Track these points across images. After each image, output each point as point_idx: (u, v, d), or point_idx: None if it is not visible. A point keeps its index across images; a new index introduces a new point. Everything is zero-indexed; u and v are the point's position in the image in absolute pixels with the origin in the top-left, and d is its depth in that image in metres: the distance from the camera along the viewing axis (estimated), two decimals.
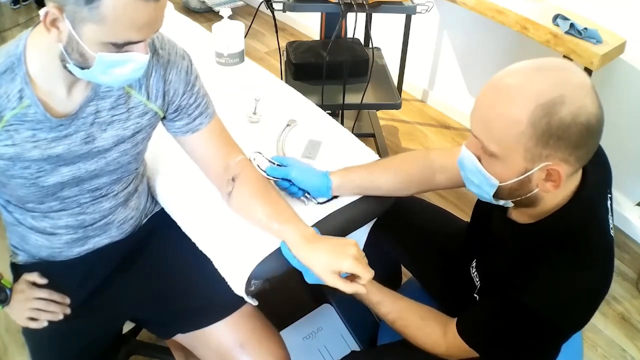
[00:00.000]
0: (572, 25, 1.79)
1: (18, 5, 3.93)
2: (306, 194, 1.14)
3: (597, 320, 1.86)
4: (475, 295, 1.02)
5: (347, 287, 0.95)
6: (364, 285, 0.97)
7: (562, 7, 1.96)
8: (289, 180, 1.13)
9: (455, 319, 0.99)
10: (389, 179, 1.15)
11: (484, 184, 0.85)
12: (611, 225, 0.91)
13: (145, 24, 0.79)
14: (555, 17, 1.85)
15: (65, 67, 0.84)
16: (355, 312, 1.45)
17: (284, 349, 1.16)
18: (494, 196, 0.86)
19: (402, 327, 1.05)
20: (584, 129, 0.74)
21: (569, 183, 0.84)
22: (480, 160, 0.84)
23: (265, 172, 1.13)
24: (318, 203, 1.15)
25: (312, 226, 1.08)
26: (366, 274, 0.95)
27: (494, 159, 0.81)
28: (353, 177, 1.14)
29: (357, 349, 1.44)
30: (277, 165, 1.14)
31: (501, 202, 0.88)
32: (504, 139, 0.77)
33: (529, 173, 0.79)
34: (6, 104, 0.87)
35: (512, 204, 0.87)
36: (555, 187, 0.79)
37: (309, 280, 0.98)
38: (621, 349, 1.78)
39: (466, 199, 2.30)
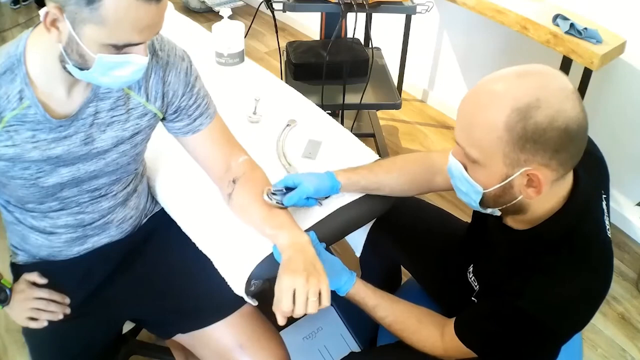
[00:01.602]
0: (572, 25, 1.79)
1: (18, 5, 3.93)
2: (319, 201, 1.13)
3: (597, 320, 1.86)
4: (473, 298, 1.02)
5: (274, 304, 0.93)
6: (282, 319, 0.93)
7: (562, 7, 1.96)
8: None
9: (453, 320, 0.99)
10: (392, 179, 1.15)
11: (470, 192, 0.85)
12: (608, 227, 0.90)
13: (146, 26, 0.79)
14: (555, 17, 1.85)
15: (64, 67, 0.85)
16: (355, 312, 1.45)
17: (284, 349, 1.16)
18: (480, 204, 0.86)
19: (399, 330, 1.05)
20: (562, 133, 0.73)
21: (559, 188, 0.83)
22: (466, 169, 0.84)
23: (283, 204, 1.06)
24: (326, 198, 1.15)
25: (312, 227, 1.08)
26: (282, 304, 0.91)
27: (476, 166, 0.81)
28: (357, 179, 1.14)
29: (357, 349, 1.44)
30: (287, 189, 1.09)
31: (488, 210, 0.88)
32: (483, 144, 0.78)
33: (509, 179, 0.79)
34: (6, 105, 0.87)
35: (500, 212, 0.87)
36: (537, 192, 0.79)
37: None
38: (621, 349, 1.78)
39: None
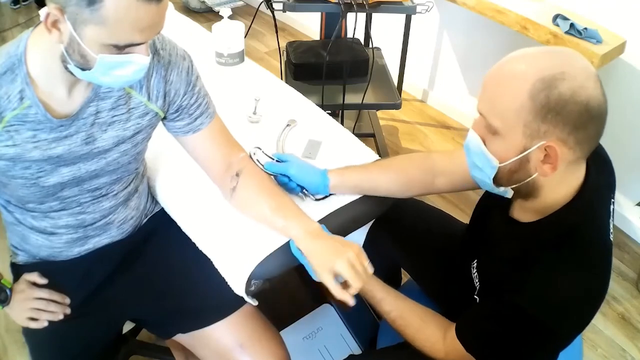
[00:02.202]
0: (572, 25, 1.79)
1: (18, 5, 3.93)
2: (304, 190, 1.15)
3: (597, 320, 1.86)
4: (475, 297, 1.02)
5: (336, 291, 0.95)
6: (352, 296, 0.96)
7: (562, 7, 1.96)
8: (287, 176, 1.13)
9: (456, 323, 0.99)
10: (389, 180, 1.15)
11: (486, 166, 0.86)
12: (611, 230, 0.91)
13: (147, 26, 0.79)
14: (555, 17, 1.85)
15: (66, 68, 0.85)
16: (355, 313, 1.45)
17: (284, 349, 1.16)
18: (494, 181, 0.87)
19: (402, 326, 1.05)
20: (583, 109, 0.75)
21: (572, 176, 0.84)
22: (484, 143, 0.85)
23: (263, 167, 1.14)
24: (316, 199, 1.16)
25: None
26: (356, 282, 0.95)
27: (496, 138, 0.82)
28: (351, 177, 1.14)
29: (357, 349, 1.44)
30: (277, 161, 1.16)
31: (501, 189, 0.88)
32: (505, 113, 0.79)
33: (527, 152, 0.80)
34: (7, 105, 0.87)
35: (512, 191, 0.87)
36: (553, 168, 0.79)
37: (315, 277, 0.99)
38: (621, 349, 1.78)
39: (466, 199, 2.30)
